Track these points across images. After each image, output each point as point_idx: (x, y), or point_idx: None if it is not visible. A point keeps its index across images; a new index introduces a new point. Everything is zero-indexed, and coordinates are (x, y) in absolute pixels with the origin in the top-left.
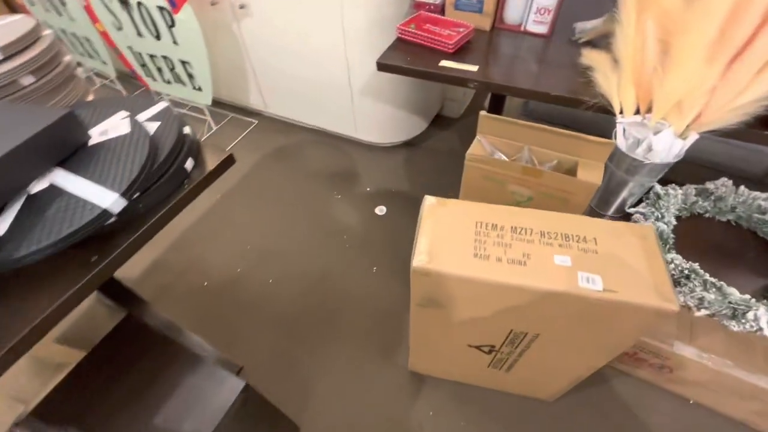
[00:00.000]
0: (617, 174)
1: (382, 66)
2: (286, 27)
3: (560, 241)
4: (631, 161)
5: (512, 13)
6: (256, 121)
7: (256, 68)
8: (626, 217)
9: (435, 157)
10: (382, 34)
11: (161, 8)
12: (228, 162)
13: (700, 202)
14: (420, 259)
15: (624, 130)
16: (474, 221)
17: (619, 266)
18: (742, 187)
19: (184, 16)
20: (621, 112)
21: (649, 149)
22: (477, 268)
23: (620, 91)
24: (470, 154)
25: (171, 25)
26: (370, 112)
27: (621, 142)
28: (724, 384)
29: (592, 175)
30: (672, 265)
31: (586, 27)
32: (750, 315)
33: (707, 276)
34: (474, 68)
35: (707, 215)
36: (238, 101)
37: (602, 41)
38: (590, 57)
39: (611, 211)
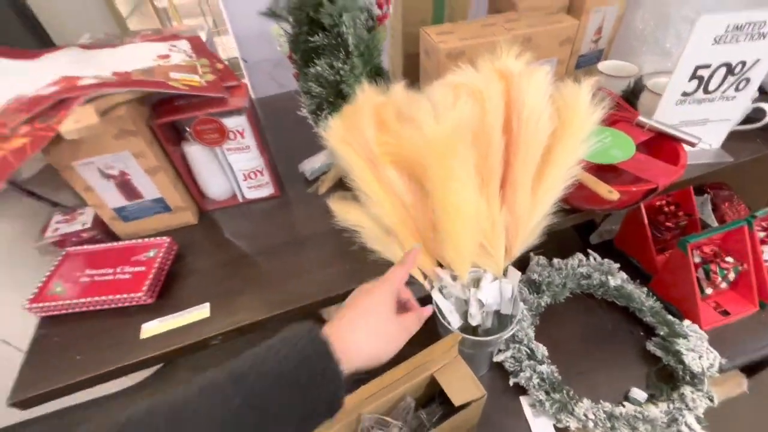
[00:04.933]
0: (464, 353)
1: (22, 404)
2: None
3: None
4: (470, 342)
5: (216, 190)
6: None
7: None
8: (500, 366)
9: None
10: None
11: None
12: None
13: (538, 299)
14: None
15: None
16: None
17: None
18: (555, 260)
19: None
20: (426, 278)
21: (481, 305)
22: None
23: None
24: None
25: None
26: None
27: (454, 320)
28: None
29: (465, 386)
30: (591, 422)
31: (315, 166)
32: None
33: (630, 411)
34: (204, 311)
35: (552, 303)
36: None
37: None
38: (346, 217)
39: (482, 373)
